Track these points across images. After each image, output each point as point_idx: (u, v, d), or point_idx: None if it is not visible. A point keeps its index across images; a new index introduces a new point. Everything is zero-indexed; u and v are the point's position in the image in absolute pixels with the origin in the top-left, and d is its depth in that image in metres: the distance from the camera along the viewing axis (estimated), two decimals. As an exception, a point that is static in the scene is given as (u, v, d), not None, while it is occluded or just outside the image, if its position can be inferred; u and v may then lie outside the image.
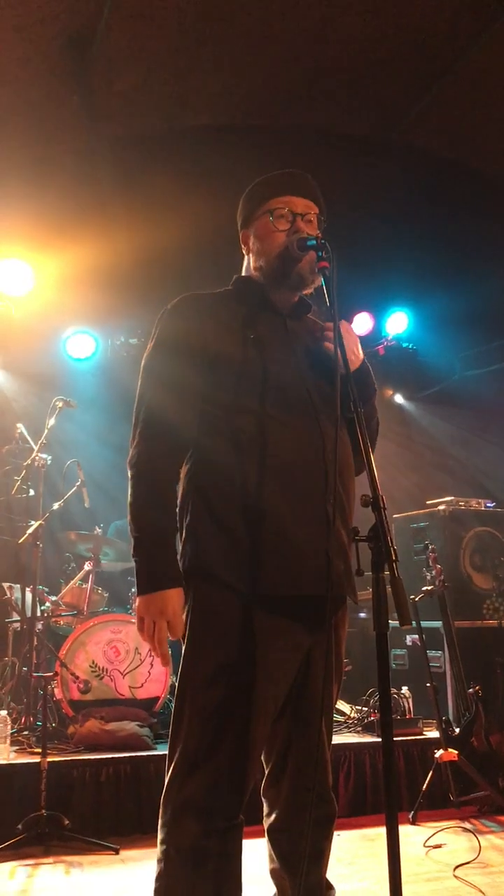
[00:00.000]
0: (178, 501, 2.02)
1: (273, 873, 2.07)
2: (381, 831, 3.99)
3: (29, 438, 5.34)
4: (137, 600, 1.92)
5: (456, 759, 4.12)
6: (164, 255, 5.71)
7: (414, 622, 4.50)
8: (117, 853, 3.55)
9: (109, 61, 4.85)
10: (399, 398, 8.21)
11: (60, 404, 5.17)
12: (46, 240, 5.75)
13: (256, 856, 2.14)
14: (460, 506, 5.60)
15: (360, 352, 2.12)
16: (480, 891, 3.07)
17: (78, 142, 5.37)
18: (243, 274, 2.24)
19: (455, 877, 3.26)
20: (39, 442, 5.16)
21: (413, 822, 4.04)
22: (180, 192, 5.53)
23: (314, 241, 1.98)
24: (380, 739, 4.47)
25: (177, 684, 1.96)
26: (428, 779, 4.18)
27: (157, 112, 5.44)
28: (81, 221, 5.59)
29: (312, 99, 5.38)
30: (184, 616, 1.96)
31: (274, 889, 2.08)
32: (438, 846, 3.68)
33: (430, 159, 5.98)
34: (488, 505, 5.70)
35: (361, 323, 7.07)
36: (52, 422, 5.16)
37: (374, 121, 5.65)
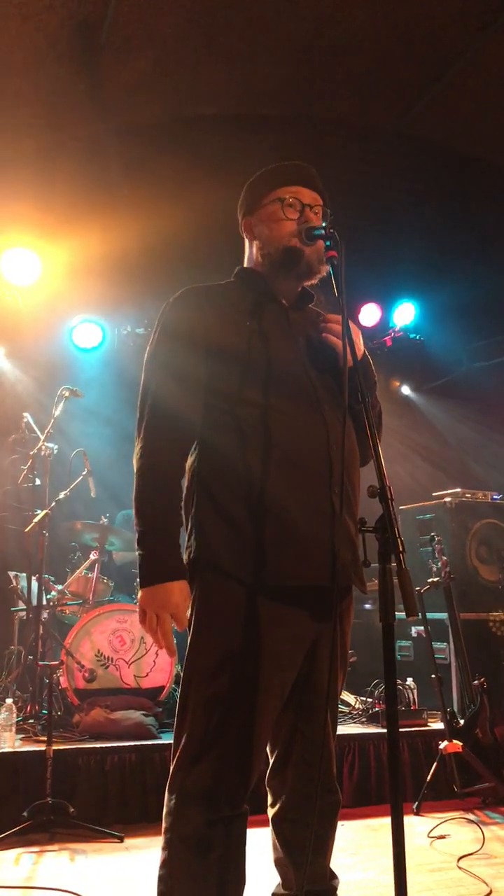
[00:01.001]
0: (184, 493, 2.02)
1: (277, 862, 2.07)
2: (385, 821, 4.01)
3: (35, 428, 5.35)
4: (140, 592, 1.92)
5: (460, 750, 4.13)
6: (171, 245, 5.70)
7: (419, 614, 4.50)
8: (122, 841, 3.57)
9: (117, 50, 4.83)
10: (406, 389, 8.19)
11: (67, 394, 5.17)
12: (53, 229, 5.75)
13: (261, 845, 2.14)
14: (467, 498, 5.59)
15: (361, 344, 2.12)
16: (484, 881, 3.08)
17: (85, 130, 5.36)
18: (245, 263, 2.23)
19: (459, 867, 3.26)
20: (46, 431, 5.16)
21: (417, 813, 4.04)
22: (187, 181, 5.52)
23: (322, 231, 1.97)
24: (384, 730, 4.47)
25: (182, 673, 1.96)
26: (432, 770, 4.18)
27: (164, 101, 5.42)
28: (88, 210, 5.58)
29: (320, 88, 5.36)
30: (189, 606, 1.97)
31: (278, 878, 2.08)
32: (442, 837, 3.69)
33: (439, 149, 5.95)
34: (495, 497, 5.69)
35: (369, 314, 7.04)
36: (58, 411, 5.16)
37: (383, 110, 5.62)
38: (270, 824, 2.08)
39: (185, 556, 1.98)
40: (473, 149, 5.98)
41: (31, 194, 5.43)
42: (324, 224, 2.03)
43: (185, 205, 5.46)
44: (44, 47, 4.78)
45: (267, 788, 2.10)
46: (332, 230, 1.95)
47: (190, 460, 2.03)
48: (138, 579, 1.95)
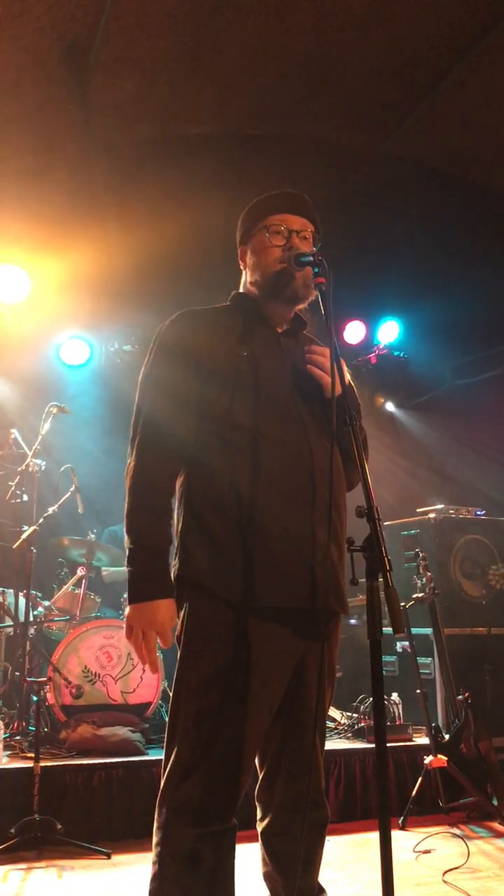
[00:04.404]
0: (174, 512, 2.06)
1: (266, 876, 2.09)
2: (371, 836, 4.02)
3: (23, 444, 5.36)
4: (128, 609, 1.96)
5: (445, 765, 4.16)
6: (158, 263, 5.75)
7: (406, 630, 4.54)
8: (109, 857, 3.57)
9: (106, 70, 4.89)
10: (390, 406, 8.26)
11: (54, 410, 5.18)
12: (42, 246, 5.78)
13: (250, 859, 2.17)
14: (450, 514, 5.64)
15: (347, 375, 2.16)
16: (469, 895, 3.11)
17: (74, 150, 5.41)
18: (241, 289, 2.28)
19: (444, 882, 3.29)
20: (33, 448, 5.18)
21: (403, 828, 4.07)
22: (175, 200, 5.57)
23: (310, 257, 2.02)
24: (369, 745, 4.48)
25: (172, 689, 1.99)
26: (417, 785, 4.21)
27: (152, 121, 5.48)
28: (77, 228, 5.63)
29: (306, 110, 5.43)
30: (178, 624, 2.00)
31: (267, 892, 2.11)
32: (428, 851, 3.72)
33: (423, 170, 6.04)
34: (478, 513, 5.75)
35: (354, 331, 7.12)
36: (46, 428, 5.17)
37: (368, 131, 5.71)
38: (259, 838, 2.11)
39: (172, 574, 2.01)
40: (458, 169, 6.08)
41: (19, 212, 5.47)
42: (314, 249, 2.08)
43: (173, 223, 5.52)
44: (33, 68, 4.83)
45: (256, 802, 2.13)
46: (320, 257, 2.00)
47: (180, 480, 2.07)
48: (126, 595, 1.99)
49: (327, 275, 1.96)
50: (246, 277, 2.25)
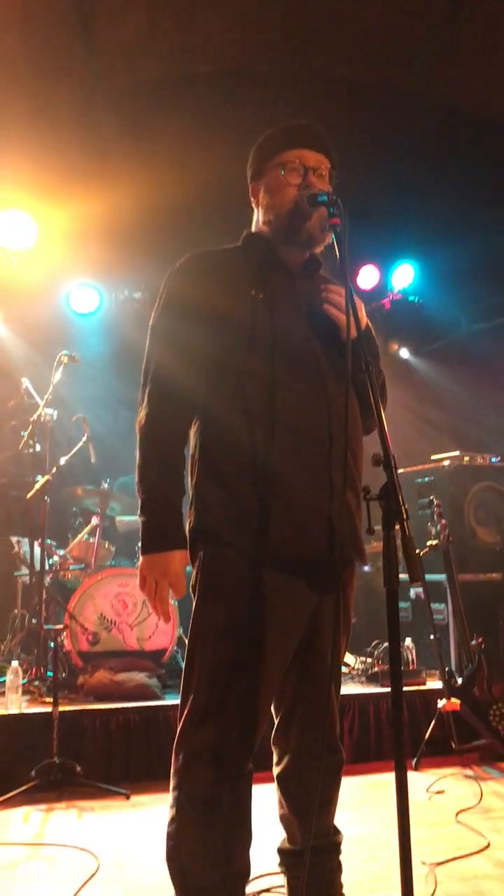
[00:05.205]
0: (188, 462, 2.03)
1: (282, 818, 2.13)
2: (385, 777, 4.08)
3: (34, 393, 5.34)
4: (141, 558, 1.95)
5: (458, 708, 4.20)
6: (167, 207, 5.65)
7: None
8: (128, 798, 3.65)
9: (112, 8, 4.75)
10: (405, 352, 8.17)
11: (65, 359, 5.15)
12: (48, 192, 5.68)
13: (267, 801, 2.20)
14: (465, 461, 5.61)
15: (364, 315, 2.10)
16: (482, 834, 3.16)
17: (80, 90, 5.28)
18: (253, 229, 2.20)
19: (457, 822, 3.34)
20: (45, 397, 5.15)
21: (416, 769, 4.13)
22: (184, 142, 5.45)
23: (325, 197, 1.94)
24: (383, 689, 4.50)
25: (188, 638, 1.99)
26: (430, 727, 4.26)
27: (160, 60, 5.33)
28: (84, 172, 5.52)
29: (318, 46, 5.26)
30: (193, 574, 1.99)
31: (284, 833, 2.14)
32: (441, 792, 3.77)
33: (439, 108, 5.87)
34: (493, 460, 5.72)
35: (368, 275, 7.00)
36: (56, 377, 5.15)
37: (382, 67, 5.53)
38: (275, 782, 2.13)
39: (186, 525, 2.00)
40: (477, 106, 5.89)
41: (24, 156, 5.36)
42: (330, 188, 2.01)
43: (183, 166, 5.40)
44: (38, 7, 4.69)
45: (272, 747, 2.15)
46: (335, 197, 1.92)
47: (194, 428, 2.03)
48: (140, 545, 1.98)
49: (342, 215, 1.89)
50: (258, 216, 2.17)
